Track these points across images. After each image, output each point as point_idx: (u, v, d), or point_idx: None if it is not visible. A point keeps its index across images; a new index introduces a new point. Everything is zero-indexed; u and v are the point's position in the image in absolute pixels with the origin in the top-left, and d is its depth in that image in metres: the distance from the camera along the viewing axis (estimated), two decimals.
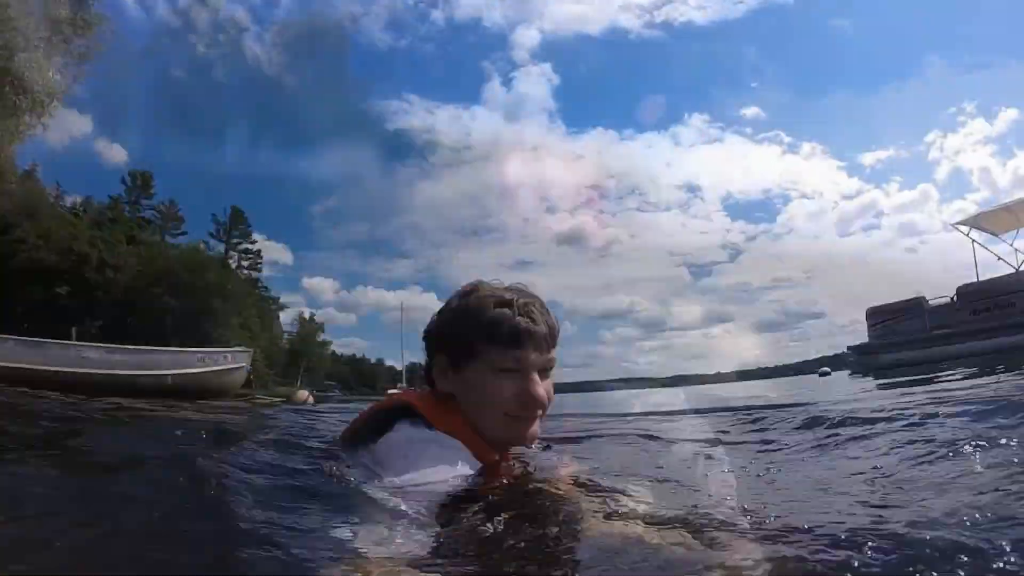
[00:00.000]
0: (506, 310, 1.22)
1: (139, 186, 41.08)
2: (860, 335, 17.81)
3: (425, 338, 1.35)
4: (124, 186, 41.06)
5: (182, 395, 10.56)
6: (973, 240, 15.85)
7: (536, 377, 1.22)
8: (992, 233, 16.07)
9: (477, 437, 1.22)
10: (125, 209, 39.56)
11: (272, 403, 12.81)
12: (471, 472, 1.14)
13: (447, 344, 1.28)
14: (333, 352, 59.42)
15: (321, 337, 54.55)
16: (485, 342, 1.21)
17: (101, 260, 30.92)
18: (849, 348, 18.36)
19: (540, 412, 1.26)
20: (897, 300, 17.11)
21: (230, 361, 14.56)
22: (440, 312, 1.33)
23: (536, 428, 1.28)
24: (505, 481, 1.18)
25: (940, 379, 5.98)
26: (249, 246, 46.29)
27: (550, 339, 1.25)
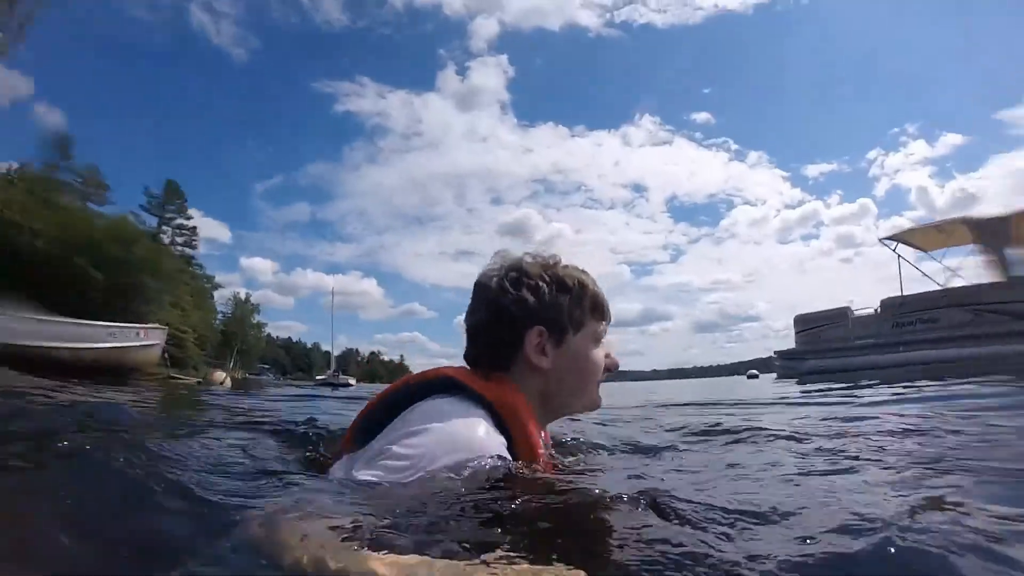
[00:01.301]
0: (597, 285, 1.31)
1: (59, 148, 38.31)
2: (793, 340, 18.41)
3: (513, 314, 1.21)
4: (41, 149, 38.17)
5: (89, 372, 9.90)
6: (899, 255, 16.53)
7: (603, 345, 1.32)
8: (921, 249, 16.77)
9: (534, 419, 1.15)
10: (38, 171, 36.96)
11: (188, 384, 12.28)
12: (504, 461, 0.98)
13: (553, 319, 1.23)
14: (268, 335, 57.77)
15: (256, 319, 52.90)
16: (590, 314, 1.27)
17: (12, 222, 28.88)
18: (776, 353, 18.96)
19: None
20: (824, 309, 17.68)
21: (143, 338, 13.98)
22: (526, 287, 1.23)
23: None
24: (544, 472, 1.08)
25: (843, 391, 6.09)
26: (184, 222, 43.89)
27: None
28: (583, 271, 1.31)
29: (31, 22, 15.46)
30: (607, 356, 1.30)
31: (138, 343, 13.87)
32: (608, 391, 1.32)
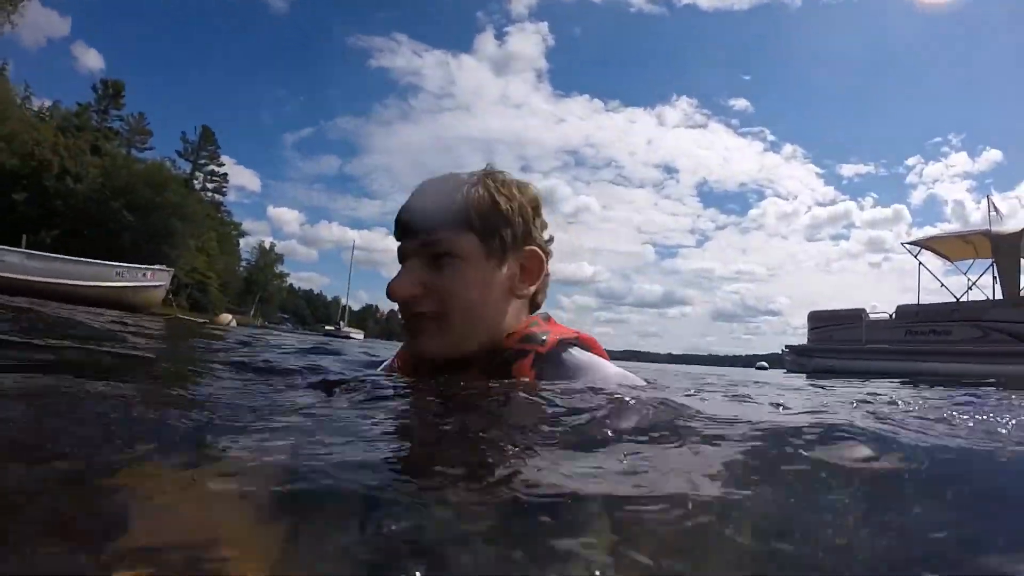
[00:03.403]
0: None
1: (110, 95, 39.24)
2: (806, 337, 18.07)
3: None
4: (95, 94, 39.21)
5: (97, 305, 10.55)
6: (920, 262, 15.95)
7: (407, 266, 1.02)
8: (947, 259, 16.15)
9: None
10: (93, 118, 37.90)
11: (191, 322, 12.75)
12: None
13: None
14: (291, 285, 59.21)
15: (279, 268, 54.19)
16: None
17: (63, 168, 29.79)
18: (787, 347, 18.64)
19: (415, 309, 1.00)
20: (839, 308, 17.23)
21: (149, 278, 14.66)
22: None
23: (423, 336, 1.02)
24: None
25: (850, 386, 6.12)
26: (216, 168, 44.78)
27: (422, 220, 1.02)
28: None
29: None
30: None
31: (144, 283, 14.47)
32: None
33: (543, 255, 1.08)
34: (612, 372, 1.02)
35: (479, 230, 1.00)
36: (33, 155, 28.40)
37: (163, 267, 16.41)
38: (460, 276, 0.98)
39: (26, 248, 13.78)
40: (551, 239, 1.13)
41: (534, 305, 1.12)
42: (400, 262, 1.03)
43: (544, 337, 1.02)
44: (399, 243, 1.04)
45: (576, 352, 1.03)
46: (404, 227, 1.03)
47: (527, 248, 1.06)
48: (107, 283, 13.61)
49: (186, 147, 43.40)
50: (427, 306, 0.98)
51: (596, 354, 1.07)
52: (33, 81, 36.33)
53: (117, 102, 39.57)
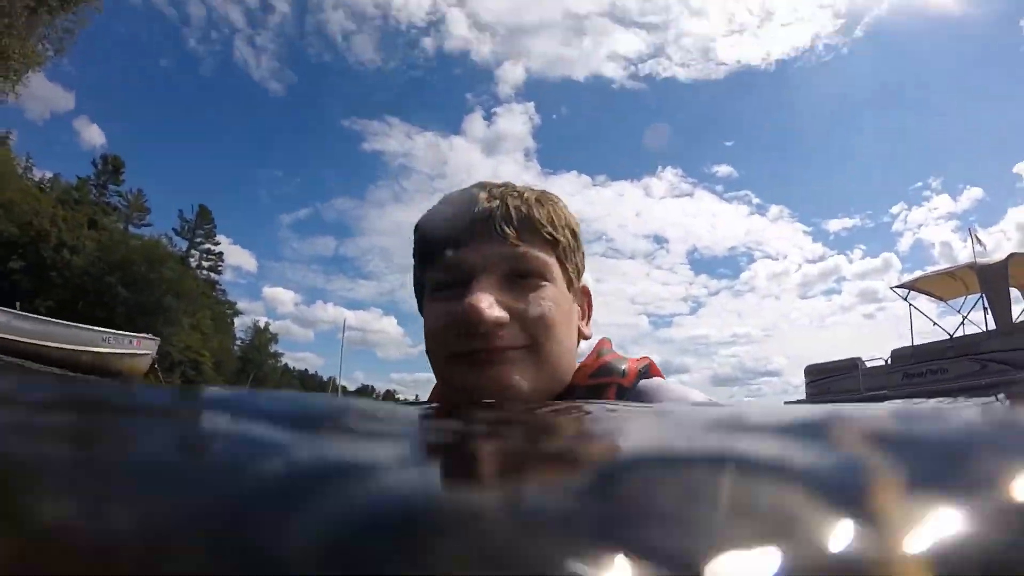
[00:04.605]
0: (438, 206, 0.88)
1: (109, 170, 40.30)
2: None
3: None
4: (94, 168, 40.28)
5: (83, 371, 10.47)
6: (911, 304, 16.04)
7: (482, 284, 0.76)
8: (940, 298, 16.29)
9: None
10: (92, 192, 38.79)
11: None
12: None
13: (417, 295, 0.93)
14: (286, 365, 58.72)
15: (274, 348, 53.94)
16: (426, 265, 0.84)
17: (60, 240, 30.15)
18: (786, 403, 18.30)
19: (498, 342, 0.76)
20: (835, 360, 17.24)
21: (136, 346, 14.62)
22: None
23: (511, 372, 0.77)
24: None
25: None
26: (212, 247, 45.52)
27: (518, 221, 0.79)
28: (441, 201, 0.89)
29: (73, 37, 16.48)
30: (463, 304, 0.74)
31: (130, 350, 14.37)
32: None
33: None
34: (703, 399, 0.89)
35: (561, 253, 0.83)
36: (32, 224, 28.62)
37: (150, 336, 16.39)
38: (551, 303, 0.79)
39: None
40: None
41: None
42: (450, 277, 0.80)
43: (624, 367, 0.87)
44: (449, 251, 0.79)
45: (661, 381, 0.88)
46: (476, 229, 0.79)
47: (583, 284, 0.92)
48: (93, 348, 13.51)
49: (183, 225, 44.20)
50: (513, 338, 0.76)
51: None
52: (35, 153, 37.48)
53: (116, 178, 40.55)
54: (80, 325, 14.09)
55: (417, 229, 0.88)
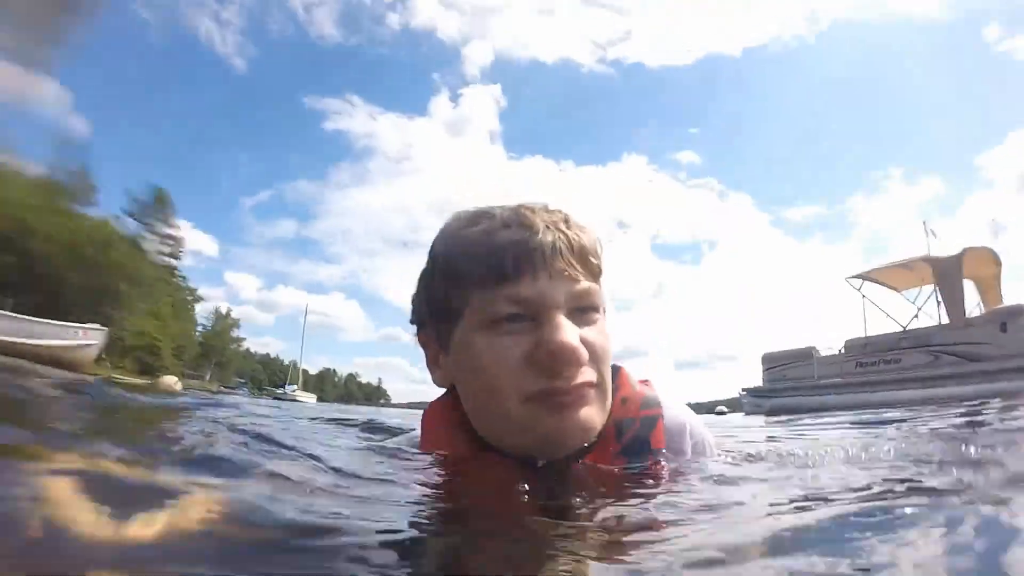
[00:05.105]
0: (482, 224, 0.79)
1: (76, 154, 38.38)
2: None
3: (411, 320, 0.91)
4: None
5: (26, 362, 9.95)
6: (863, 295, 16.43)
7: (561, 319, 0.73)
8: (893, 288, 16.69)
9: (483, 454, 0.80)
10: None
11: (127, 383, 12.03)
12: None
13: (429, 311, 0.85)
14: (247, 350, 57.73)
15: (235, 333, 52.82)
16: (471, 285, 0.77)
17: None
18: (743, 390, 18.89)
19: (580, 380, 0.74)
20: (790, 348, 17.52)
21: (82, 337, 13.80)
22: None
23: (591, 412, 0.75)
24: None
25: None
26: (170, 231, 43.82)
27: (578, 254, 0.78)
28: (487, 210, 0.82)
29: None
30: (546, 340, 0.72)
31: (75, 342, 13.66)
32: None
33: None
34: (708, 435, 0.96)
35: (601, 281, 0.82)
36: None
37: (96, 326, 15.61)
38: (606, 336, 0.78)
39: None
40: None
41: None
42: (520, 309, 0.74)
43: (658, 397, 0.88)
44: (518, 281, 0.74)
45: (676, 408, 0.91)
46: (544, 261, 0.75)
47: None
48: (36, 341, 12.80)
49: (135, 206, 42.40)
50: (586, 375, 0.74)
51: None
52: None
53: (79, 162, 38.61)
54: (21, 316, 13.29)
55: (454, 248, 0.81)
